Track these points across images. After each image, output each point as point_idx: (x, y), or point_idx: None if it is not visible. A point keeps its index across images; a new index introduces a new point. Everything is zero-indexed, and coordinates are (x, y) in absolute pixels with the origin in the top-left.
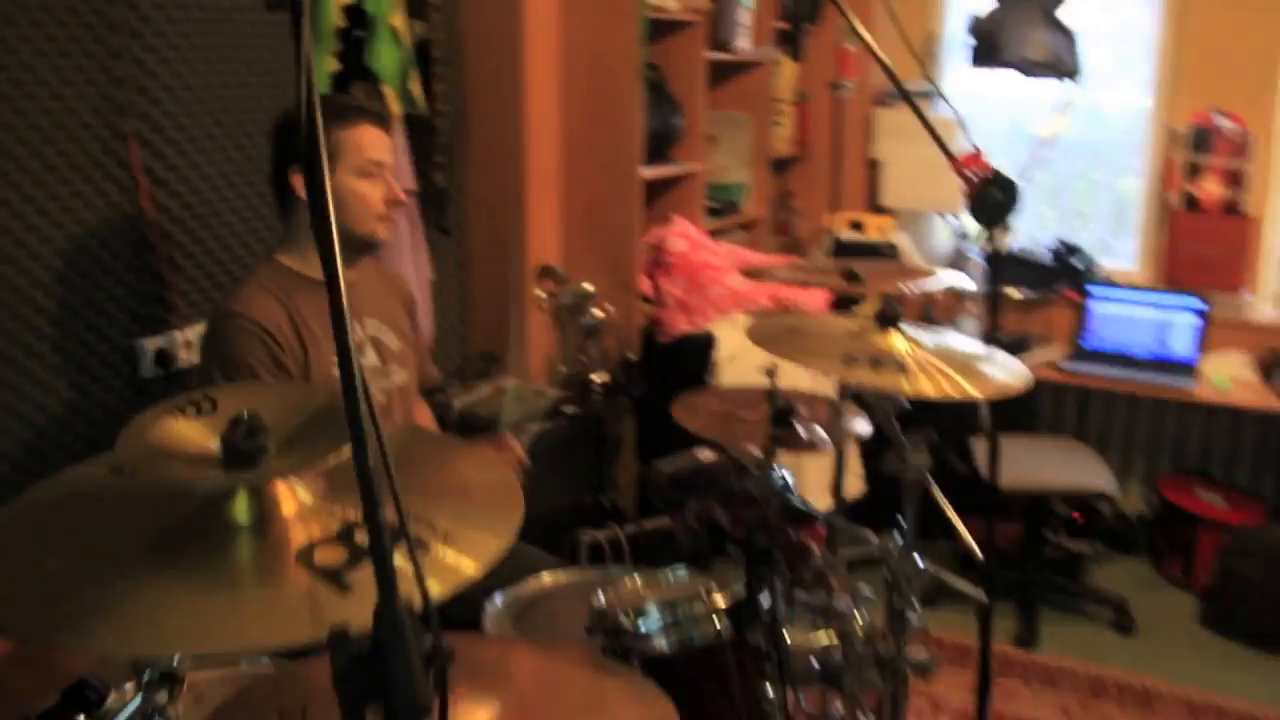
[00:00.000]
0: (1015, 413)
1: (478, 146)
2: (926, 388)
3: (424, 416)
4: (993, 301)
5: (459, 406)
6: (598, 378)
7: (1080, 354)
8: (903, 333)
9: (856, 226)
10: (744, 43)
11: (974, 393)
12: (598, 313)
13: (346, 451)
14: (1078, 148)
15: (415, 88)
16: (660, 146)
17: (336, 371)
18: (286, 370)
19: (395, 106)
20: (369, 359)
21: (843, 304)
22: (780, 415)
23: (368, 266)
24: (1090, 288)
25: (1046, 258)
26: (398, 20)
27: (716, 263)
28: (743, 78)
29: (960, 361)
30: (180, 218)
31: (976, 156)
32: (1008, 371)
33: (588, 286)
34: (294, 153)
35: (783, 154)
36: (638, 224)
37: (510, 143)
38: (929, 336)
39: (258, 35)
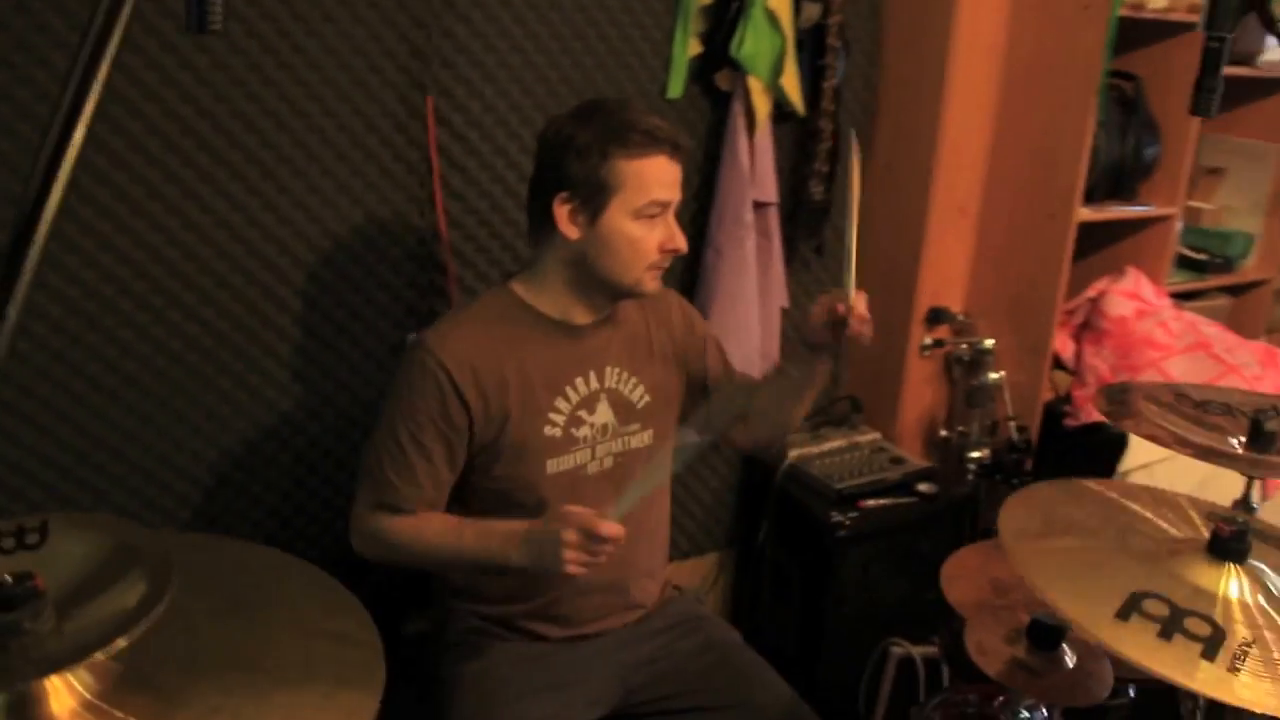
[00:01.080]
0: None
1: (877, 159)
2: None
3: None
4: None
5: (793, 457)
6: (976, 454)
7: None
8: None
9: None
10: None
11: None
12: (994, 375)
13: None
14: None
15: (790, 83)
16: (1123, 180)
17: (547, 429)
18: (455, 426)
19: (762, 103)
20: (600, 416)
21: None
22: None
23: (626, 305)
24: None
25: None
26: (777, 2)
27: (1163, 340)
28: (1274, 98)
29: None
30: (476, 207)
31: None
32: None
33: (988, 342)
34: (564, 176)
35: None
36: (1063, 274)
37: (918, 158)
38: None
39: (578, 10)
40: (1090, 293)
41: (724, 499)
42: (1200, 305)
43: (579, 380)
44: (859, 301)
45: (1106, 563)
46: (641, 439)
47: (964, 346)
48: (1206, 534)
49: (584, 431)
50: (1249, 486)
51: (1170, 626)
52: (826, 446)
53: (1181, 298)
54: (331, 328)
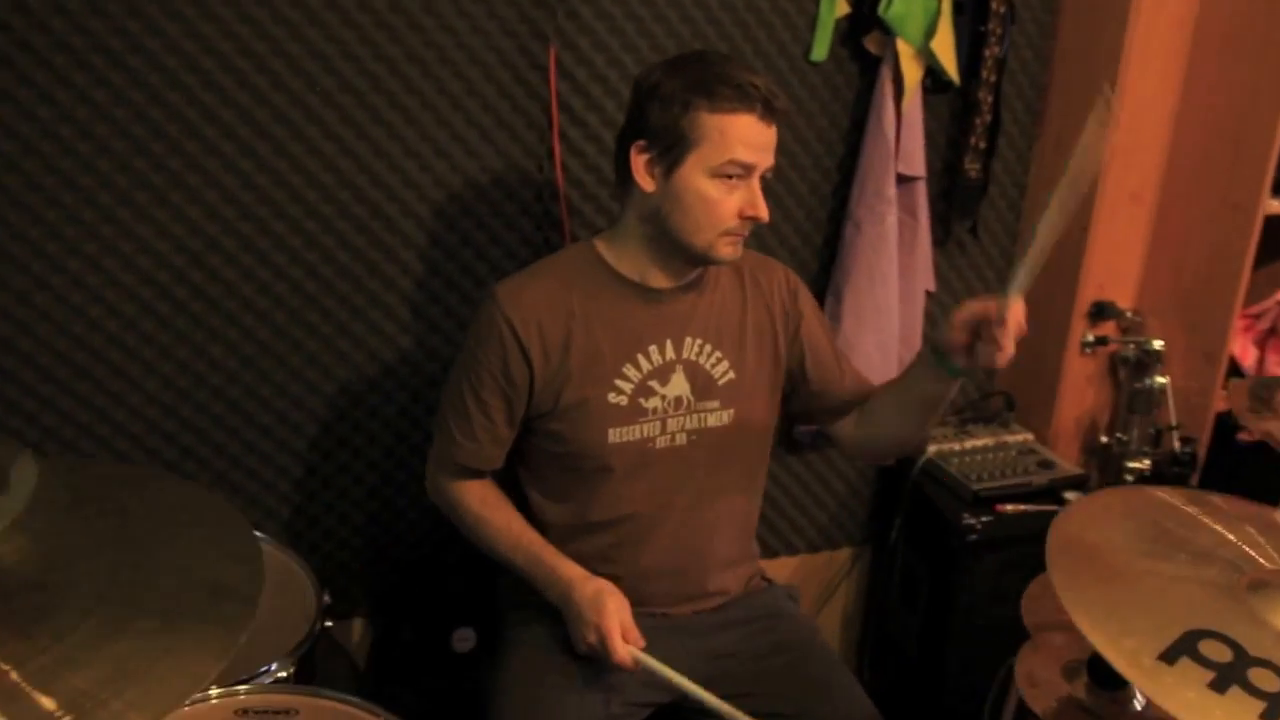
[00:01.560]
0: None
1: (1046, 137)
2: None
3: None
4: None
5: (932, 453)
6: (1135, 464)
7: None
8: None
9: None
10: None
11: None
12: (1160, 379)
13: None
14: None
15: (944, 48)
16: None
17: (611, 396)
18: (515, 383)
19: (911, 70)
20: (674, 388)
21: None
22: None
23: (722, 272)
24: None
25: None
26: None
27: None
28: None
29: None
30: (595, 164)
31: None
32: None
33: (1156, 343)
34: (645, 124)
35: None
36: (1244, 271)
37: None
38: None
39: None
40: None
41: (860, 492)
42: None
43: (652, 348)
44: (1015, 310)
45: (1168, 590)
46: (720, 418)
47: (1129, 346)
48: None
49: (654, 403)
50: None
51: (1228, 676)
52: (970, 444)
53: None
54: (440, 281)
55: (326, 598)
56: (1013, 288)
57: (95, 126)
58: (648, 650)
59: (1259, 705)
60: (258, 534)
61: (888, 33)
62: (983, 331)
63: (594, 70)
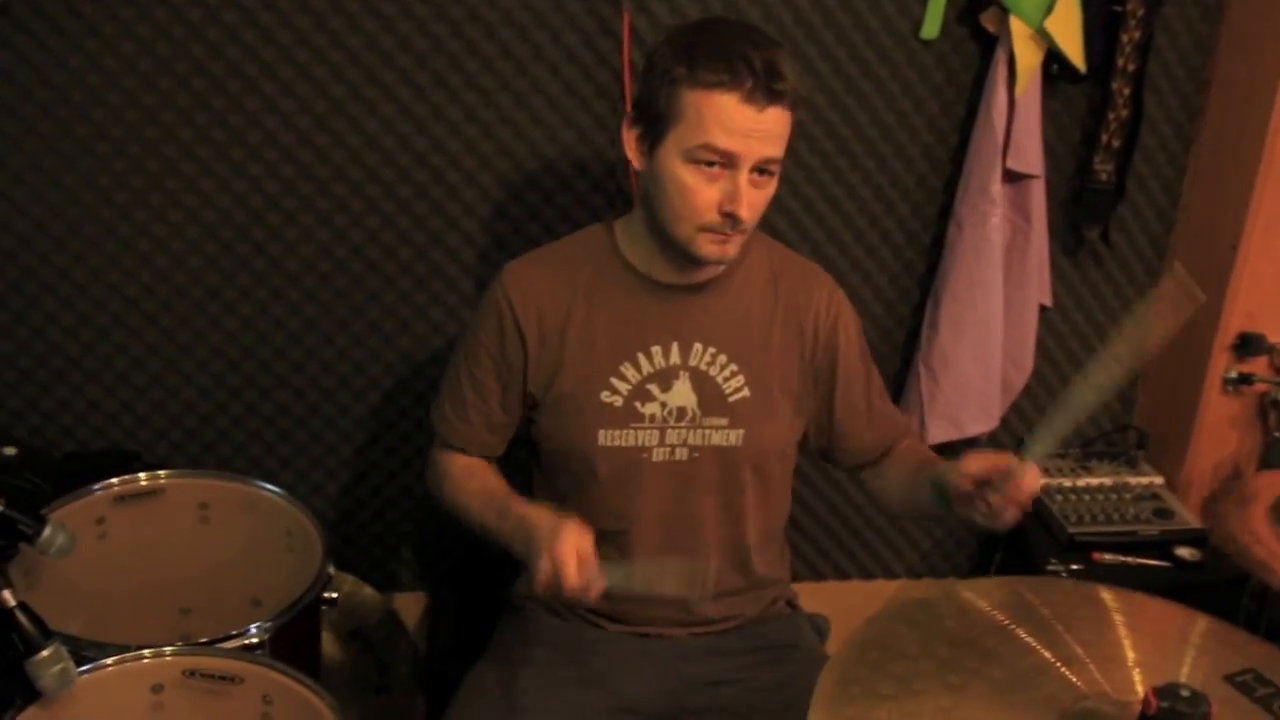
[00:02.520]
0: None
1: (1202, 143)
2: None
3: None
4: None
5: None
6: None
7: None
8: None
9: None
10: None
11: None
12: None
13: None
14: None
15: (1065, 29)
16: None
17: (604, 394)
18: (510, 366)
19: (1027, 52)
20: (676, 396)
21: None
22: None
23: (753, 275)
24: None
25: None
26: None
27: None
28: None
29: None
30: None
31: None
32: None
33: None
34: (637, 95)
35: None
36: None
37: (1246, 144)
38: None
39: None
40: None
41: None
42: None
43: (656, 349)
44: (1030, 476)
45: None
46: (727, 437)
47: None
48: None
49: (651, 409)
50: None
51: None
52: (1087, 481)
53: None
54: (505, 255)
55: (330, 569)
56: (1030, 452)
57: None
58: (618, 665)
59: None
60: (278, 491)
61: (1005, 10)
62: (991, 488)
63: None
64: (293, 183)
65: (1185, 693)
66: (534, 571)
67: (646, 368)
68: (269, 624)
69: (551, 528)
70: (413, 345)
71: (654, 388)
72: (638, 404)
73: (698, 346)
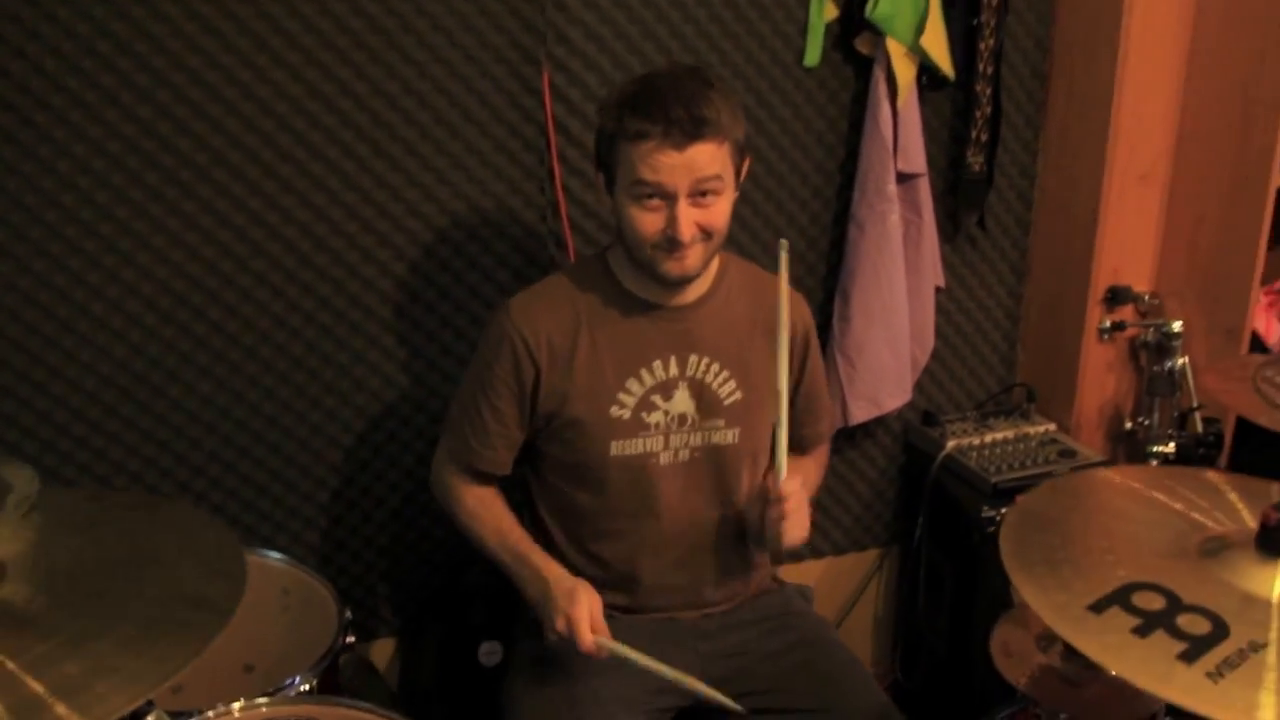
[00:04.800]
0: None
1: (1050, 127)
2: None
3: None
4: None
5: (950, 448)
6: (1159, 448)
7: None
8: None
9: None
10: None
11: None
12: (1180, 361)
13: None
14: None
15: (935, 45)
16: None
17: (613, 409)
18: (525, 390)
19: (904, 68)
20: (677, 405)
21: None
22: None
23: (734, 291)
24: None
25: None
26: None
27: None
28: None
29: None
30: (594, 182)
31: None
32: None
33: (1175, 324)
34: (595, 153)
35: None
36: (1260, 247)
37: (1093, 122)
38: None
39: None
40: None
41: (884, 492)
42: None
43: (656, 363)
44: (785, 483)
45: (1114, 551)
46: (726, 436)
47: (1149, 329)
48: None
49: (655, 418)
50: None
51: (1154, 623)
52: (991, 437)
53: None
54: (450, 305)
55: (348, 614)
56: (779, 459)
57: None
58: (644, 649)
59: (1179, 646)
60: (276, 554)
61: (878, 33)
62: (766, 510)
63: (587, 90)
64: (247, 259)
65: None
66: (547, 624)
67: (649, 380)
68: (311, 672)
69: (568, 590)
70: (368, 402)
71: (657, 398)
72: (644, 414)
73: (693, 358)
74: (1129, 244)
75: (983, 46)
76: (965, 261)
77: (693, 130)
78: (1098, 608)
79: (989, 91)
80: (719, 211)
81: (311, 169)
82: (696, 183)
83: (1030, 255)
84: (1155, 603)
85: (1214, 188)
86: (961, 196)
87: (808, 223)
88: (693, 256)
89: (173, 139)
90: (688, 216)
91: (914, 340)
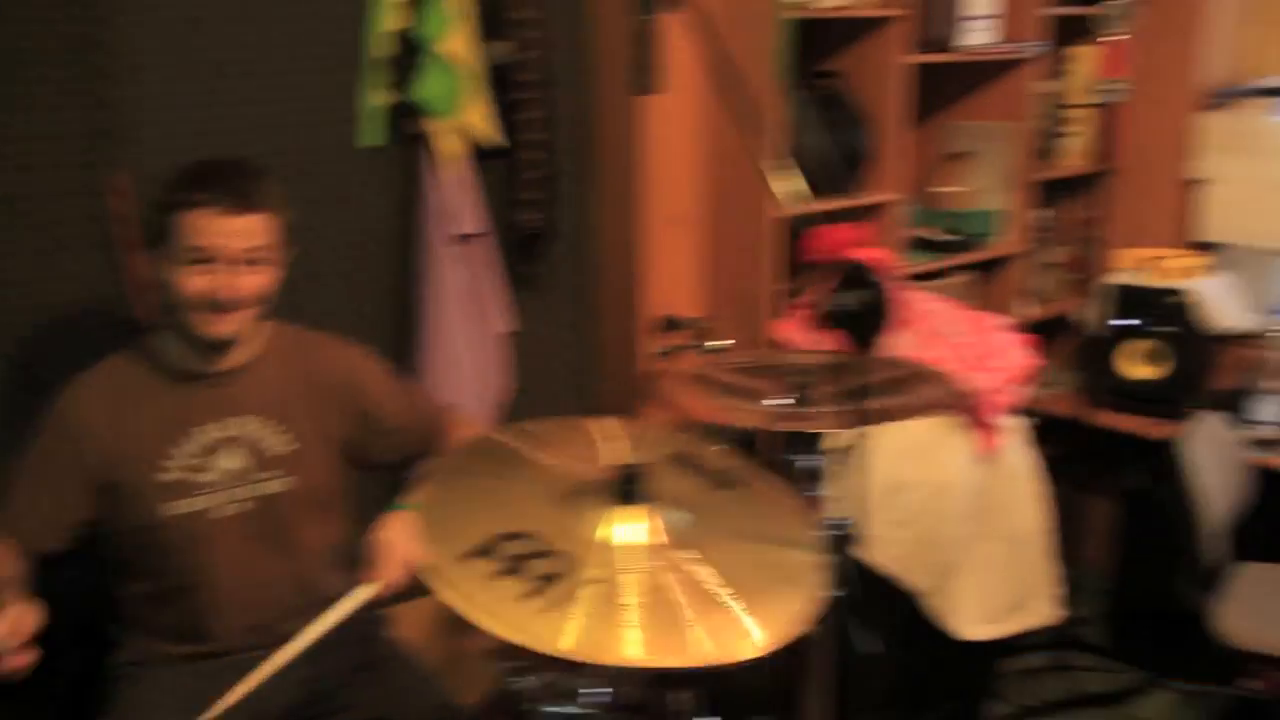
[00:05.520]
0: None
1: (605, 181)
2: None
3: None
4: None
5: None
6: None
7: None
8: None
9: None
10: (983, 37)
11: None
12: None
13: None
14: None
15: (477, 119)
16: (842, 173)
17: (160, 475)
18: (68, 468)
19: (448, 142)
20: (228, 461)
21: None
22: None
23: (275, 355)
24: None
25: None
26: (454, 44)
27: None
28: (1004, 80)
29: None
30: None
31: None
32: None
33: (722, 341)
34: (145, 230)
35: (1072, 172)
36: (766, 267)
37: (629, 176)
38: None
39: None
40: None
41: None
42: (943, 284)
43: (196, 430)
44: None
45: (494, 505)
46: (284, 484)
47: (705, 348)
48: None
49: (209, 477)
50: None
51: (516, 566)
52: None
53: (926, 278)
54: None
55: None
56: None
57: None
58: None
59: (529, 585)
60: None
61: (421, 113)
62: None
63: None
64: None
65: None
66: None
67: (192, 447)
68: None
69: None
70: None
71: (202, 460)
72: (194, 475)
73: (239, 420)
74: (672, 279)
75: (526, 117)
76: (531, 309)
77: (246, 202)
78: (474, 555)
79: (542, 156)
80: (264, 282)
81: None
82: (246, 251)
83: (599, 296)
84: (525, 549)
85: (732, 225)
86: (522, 251)
87: (382, 293)
88: (235, 320)
89: None
90: (235, 281)
91: (486, 385)
